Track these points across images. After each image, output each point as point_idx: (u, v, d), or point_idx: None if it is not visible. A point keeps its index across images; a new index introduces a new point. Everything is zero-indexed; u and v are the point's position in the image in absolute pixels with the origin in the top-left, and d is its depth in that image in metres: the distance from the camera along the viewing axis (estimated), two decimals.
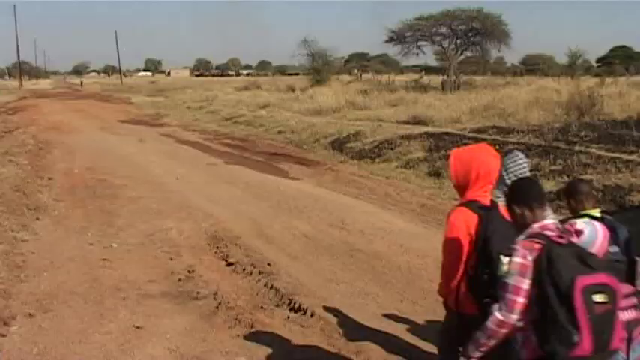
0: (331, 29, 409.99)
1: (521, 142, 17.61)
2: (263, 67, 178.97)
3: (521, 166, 4.60)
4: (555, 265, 3.19)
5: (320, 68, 53.02)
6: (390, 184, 14.35)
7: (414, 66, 78.90)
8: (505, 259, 3.59)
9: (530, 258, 3.28)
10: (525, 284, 3.27)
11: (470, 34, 49.13)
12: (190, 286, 7.77)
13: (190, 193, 13.40)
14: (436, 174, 14.73)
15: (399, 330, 6.41)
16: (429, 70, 65.05)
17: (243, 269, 8.37)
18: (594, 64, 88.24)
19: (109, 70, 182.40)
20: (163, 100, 50.76)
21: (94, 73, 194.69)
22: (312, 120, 26.85)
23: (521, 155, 4.70)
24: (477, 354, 3.48)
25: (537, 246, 3.29)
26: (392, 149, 18.11)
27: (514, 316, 3.28)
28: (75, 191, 13.65)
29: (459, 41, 49.52)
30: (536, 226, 3.41)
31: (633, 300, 3.64)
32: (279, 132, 25.35)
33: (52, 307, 7.03)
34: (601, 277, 3.22)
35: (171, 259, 8.93)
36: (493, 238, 3.75)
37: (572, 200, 4.37)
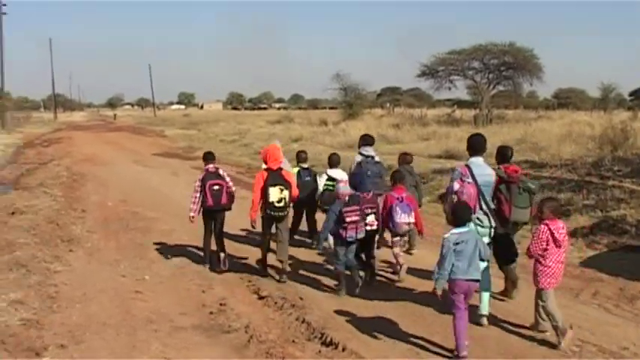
0: (364, 63, 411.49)
1: (554, 176, 17.39)
2: (296, 100, 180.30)
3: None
4: (205, 178, 9.92)
5: (352, 102, 53.20)
6: (423, 219, 14.11)
7: (447, 100, 78.93)
8: (271, 189, 9.09)
9: (201, 176, 9.99)
10: (198, 184, 9.99)
11: (502, 68, 49.15)
12: (222, 319, 7.76)
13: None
14: None
15: None
16: (461, 104, 64.91)
17: (275, 303, 8.34)
18: (627, 97, 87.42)
19: (142, 104, 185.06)
20: (196, 133, 51.26)
21: (127, 106, 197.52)
22: (344, 153, 26.70)
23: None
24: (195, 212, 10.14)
25: (205, 172, 9.99)
26: (424, 183, 17.99)
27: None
28: (108, 223, 13.78)
29: (491, 75, 49.55)
30: (208, 167, 10.08)
31: (357, 211, 8.42)
32: (312, 165, 25.27)
33: (84, 339, 7.06)
34: (219, 182, 9.92)
35: (203, 291, 8.94)
36: (268, 181, 9.13)
37: (297, 158, 11.52)
